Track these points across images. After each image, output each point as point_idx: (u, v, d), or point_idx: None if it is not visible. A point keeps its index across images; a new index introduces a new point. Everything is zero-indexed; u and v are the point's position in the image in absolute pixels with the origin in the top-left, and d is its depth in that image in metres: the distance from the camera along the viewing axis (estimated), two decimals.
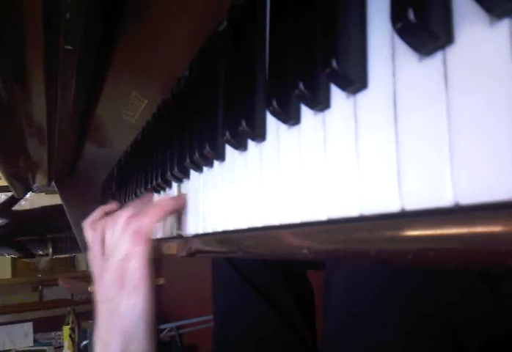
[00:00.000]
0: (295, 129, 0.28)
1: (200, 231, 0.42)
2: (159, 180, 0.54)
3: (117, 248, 0.43)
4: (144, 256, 0.42)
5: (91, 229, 0.60)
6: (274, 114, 0.28)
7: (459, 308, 0.38)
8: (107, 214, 0.62)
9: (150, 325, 0.40)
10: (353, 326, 0.41)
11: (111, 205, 0.64)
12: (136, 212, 0.46)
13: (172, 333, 2.28)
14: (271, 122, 0.31)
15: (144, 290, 0.40)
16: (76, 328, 2.46)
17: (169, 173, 0.50)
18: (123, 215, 0.46)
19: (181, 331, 2.32)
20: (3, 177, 0.88)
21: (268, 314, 0.61)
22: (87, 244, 0.60)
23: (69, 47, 0.40)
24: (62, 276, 2.91)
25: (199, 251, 0.44)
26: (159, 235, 0.55)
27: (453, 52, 0.18)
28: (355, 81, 0.22)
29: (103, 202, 0.96)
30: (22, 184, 1.02)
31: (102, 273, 0.43)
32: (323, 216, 0.25)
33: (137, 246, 0.42)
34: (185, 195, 0.47)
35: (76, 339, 2.40)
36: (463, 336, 0.37)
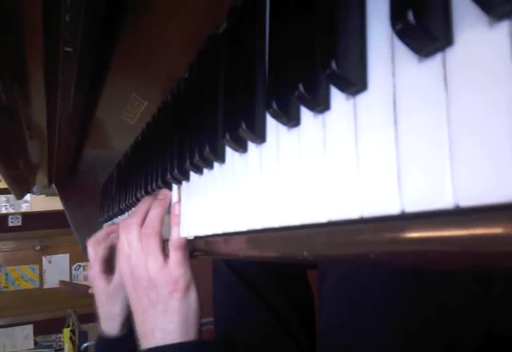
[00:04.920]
0: (295, 131, 0.28)
1: (200, 233, 0.42)
2: (159, 181, 0.54)
3: (152, 257, 0.48)
4: (186, 260, 0.48)
5: (93, 247, 0.63)
6: (274, 115, 0.28)
7: (455, 308, 0.38)
8: (110, 234, 0.65)
9: (200, 314, 0.48)
10: (352, 325, 0.41)
11: (115, 226, 0.66)
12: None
13: None
14: (271, 123, 0.31)
15: (192, 287, 0.48)
16: (77, 330, 2.46)
17: (169, 175, 0.50)
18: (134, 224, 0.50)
19: None
20: (3, 180, 0.88)
21: (267, 318, 0.62)
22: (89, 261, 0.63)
23: (69, 49, 0.40)
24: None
25: (199, 253, 0.44)
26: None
27: (453, 53, 0.17)
28: (355, 83, 0.22)
29: (103, 204, 0.96)
30: (22, 186, 1.02)
31: (145, 280, 0.48)
32: (323, 218, 0.25)
33: (179, 253, 0.47)
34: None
35: (77, 342, 2.40)
36: (459, 336, 0.37)
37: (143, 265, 0.48)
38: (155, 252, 0.47)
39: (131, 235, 0.49)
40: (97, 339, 0.63)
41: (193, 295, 0.48)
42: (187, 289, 0.47)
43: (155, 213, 0.50)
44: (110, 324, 0.61)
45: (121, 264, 0.50)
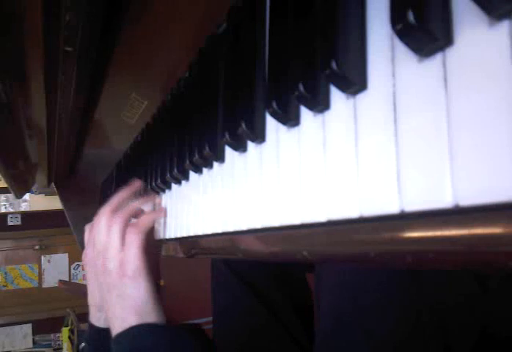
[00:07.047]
0: (295, 130, 0.28)
1: (200, 232, 0.42)
2: (158, 181, 0.54)
3: (111, 241, 0.49)
4: (140, 246, 0.48)
5: (88, 230, 0.63)
6: (274, 115, 0.28)
7: (453, 308, 0.38)
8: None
9: (157, 301, 0.47)
10: (350, 325, 0.41)
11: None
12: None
13: None
14: (271, 123, 0.31)
15: (143, 274, 0.47)
16: (75, 329, 2.45)
17: (168, 174, 0.50)
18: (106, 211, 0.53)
19: None
20: (2, 179, 0.88)
21: (265, 317, 0.62)
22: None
23: (69, 48, 0.40)
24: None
25: (199, 253, 0.44)
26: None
27: (453, 53, 0.18)
28: (354, 83, 0.22)
29: (103, 203, 0.96)
30: (21, 185, 1.01)
31: (103, 264, 0.49)
32: (322, 218, 0.25)
33: (132, 236, 0.48)
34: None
35: (75, 341, 2.40)
36: (456, 336, 0.37)
37: (106, 252, 0.49)
38: (114, 240, 0.49)
39: (100, 223, 0.52)
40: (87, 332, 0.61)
41: (143, 284, 0.47)
42: (136, 276, 0.47)
43: (145, 218, 0.53)
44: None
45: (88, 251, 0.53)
